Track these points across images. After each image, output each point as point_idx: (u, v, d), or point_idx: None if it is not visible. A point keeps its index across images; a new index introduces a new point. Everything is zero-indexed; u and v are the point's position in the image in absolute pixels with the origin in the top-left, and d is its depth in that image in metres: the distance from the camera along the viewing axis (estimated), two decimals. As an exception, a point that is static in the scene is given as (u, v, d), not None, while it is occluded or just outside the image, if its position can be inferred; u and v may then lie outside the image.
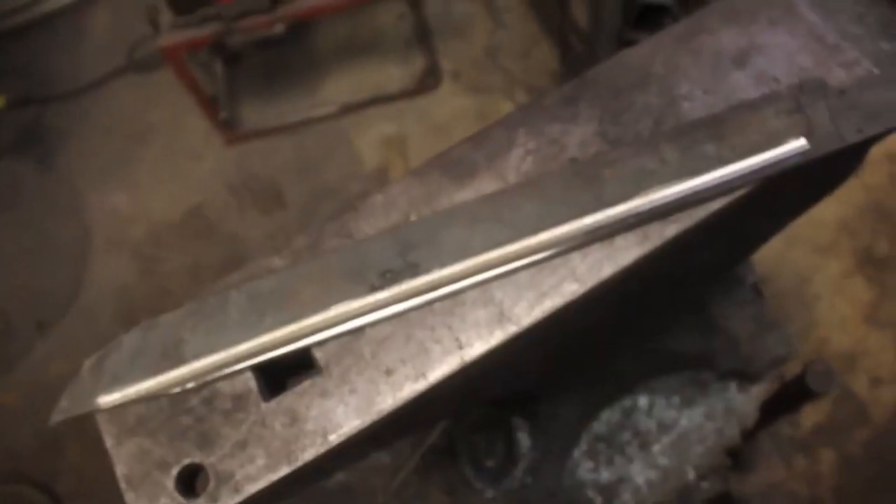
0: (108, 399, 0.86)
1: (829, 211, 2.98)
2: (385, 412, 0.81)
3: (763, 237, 1.28)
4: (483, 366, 0.84)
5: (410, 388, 0.82)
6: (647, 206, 0.87)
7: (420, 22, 3.87)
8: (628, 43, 2.72)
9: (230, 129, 3.68)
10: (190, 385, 0.84)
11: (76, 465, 3.00)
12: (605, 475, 1.58)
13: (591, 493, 1.56)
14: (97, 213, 3.67)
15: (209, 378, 0.84)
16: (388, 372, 0.83)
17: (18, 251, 3.64)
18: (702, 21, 1.02)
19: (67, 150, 3.89)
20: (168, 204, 3.63)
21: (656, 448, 1.60)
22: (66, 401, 0.87)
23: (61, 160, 3.86)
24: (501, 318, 0.84)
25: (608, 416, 1.60)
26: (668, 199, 0.88)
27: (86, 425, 0.88)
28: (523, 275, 0.86)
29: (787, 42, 0.99)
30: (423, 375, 0.83)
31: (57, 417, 0.86)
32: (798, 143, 0.90)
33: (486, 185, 0.92)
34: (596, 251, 0.87)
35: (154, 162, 3.77)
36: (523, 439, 1.46)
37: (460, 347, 0.84)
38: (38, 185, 3.81)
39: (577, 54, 3.24)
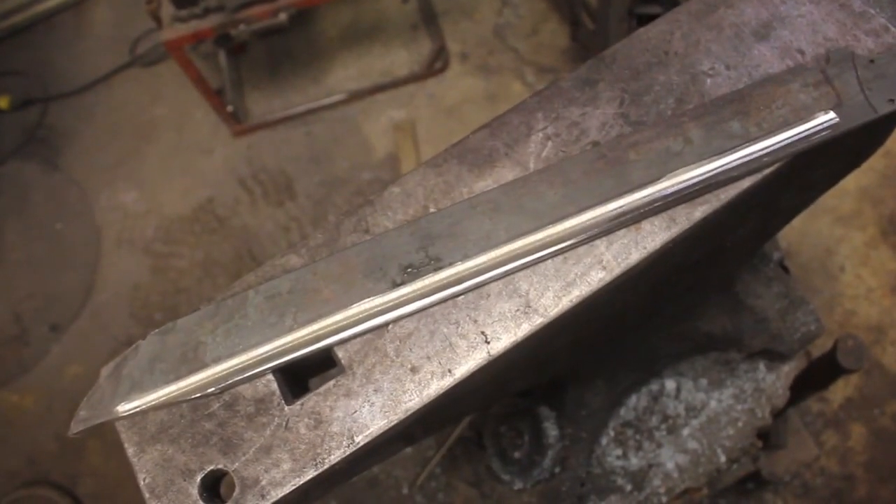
0: (127, 407, 0.84)
1: (850, 179, 2.90)
2: (412, 411, 0.79)
3: (792, 214, 1.25)
4: (510, 359, 0.82)
5: (437, 386, 0.80)
6: (674, 189, 0.84)
7: (426, 4, 3.82)
8: (639, 17, 2.70)
9: (237, 121, 3.66)
10: (211, 390, 0.82)
11: (97, 467, 3.01)
12: (635, 461, 1.56)
13: (620, 481, 1.54)
14: (106, 212, 3.66)
15: (230, 382, 0.82)
16: (414, 369, 0.81)
17: (29, 254, 3.64)
18: (720, -6, 0.99)
19: (74, 149, 3.88)
20: (178, 199, 3.61)
21: (685, 432, 1.57)
22: (84, 410, 0.84)
23: (68, 160, 3.85)
24: (528, 309, 0.82)
25: (635, 402, 1.58)
26: (694, 181, 0.85)
27: (106, 428, 0.86)
28: (549, 265, 0.83)
29: (810, 11, 0.96)
30: (450, 372, 0.80)
31: (77, 427, 0.84)
32: (827, 117, 0.87)
33: (506, 173, 0.89)
34: (622, 237, 0.84)
35: (162, 157, 3.76)
36: (550, 429, 1.44)
37: (486, 341, 0.81)
38: (45, 186, 3.80)
39: (586, 30, 3.19)
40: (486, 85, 3.61)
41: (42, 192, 3.79)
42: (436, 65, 3.67)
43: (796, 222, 2.81)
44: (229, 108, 3.58)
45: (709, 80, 0.93)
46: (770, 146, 0.86)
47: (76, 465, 3.03)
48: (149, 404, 0.83)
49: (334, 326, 0.83)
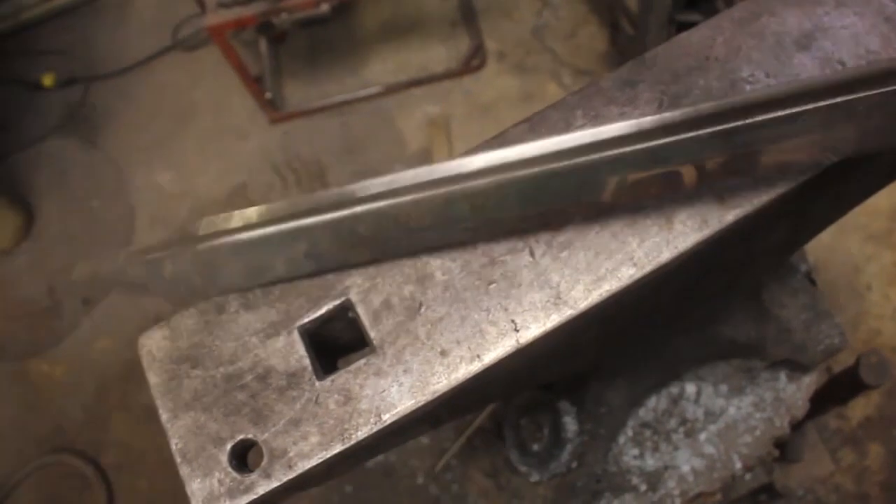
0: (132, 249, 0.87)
1: (883, 198, 2.89)
2: (439, 393, 0.81)
3: (823, 224, 1.25)
4: (538, 348, 0.84)
5: (465, 370, 0.82)
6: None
7: (465, 1, 3.84)
8: (679, 25, 2.70)
9: (274, 109, 3.70)
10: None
11: (121, 439, 3.06)
12: (651, 462, 1.57)
13: (636, 480, 1.55)
14: (142, 192, 3.72)
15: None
16: (443, 353, 0.83)
17: (65, 229, 3.70)
18: (763, 2, 1.00)
19: (113, 128, 3.95)
20: (213, 183, 3.66)
21: (703, 436, 1.58)
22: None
23: (107, 139, 3.91)
24: (558, 301, 0.84)
25: (655, 403, 1.59)
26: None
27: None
28: (580, 257, 0.85)
29: (854, 23, 0.96)
30: (479, 357, 0.82)
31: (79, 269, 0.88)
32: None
33: (542, 167, 0.91)
34: (654, 236, 0.85)
35: (199, 140, 3.81)
36: (570, 424, 1.45)
37: (516, 330, 0.83)
38: (84, 163, 3.87)
39: (626, 36, 3.19)
40: (522, 84, 3.62)
41: (80, 169, 3.86)
42: (473, 62, 3.69)
43: (825, 238, 2.81)
44: (267, 95, 3.62)
45: (748, 87, 0.94)
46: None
47: (101, 435, 3.09)
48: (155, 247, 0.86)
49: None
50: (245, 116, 3.80)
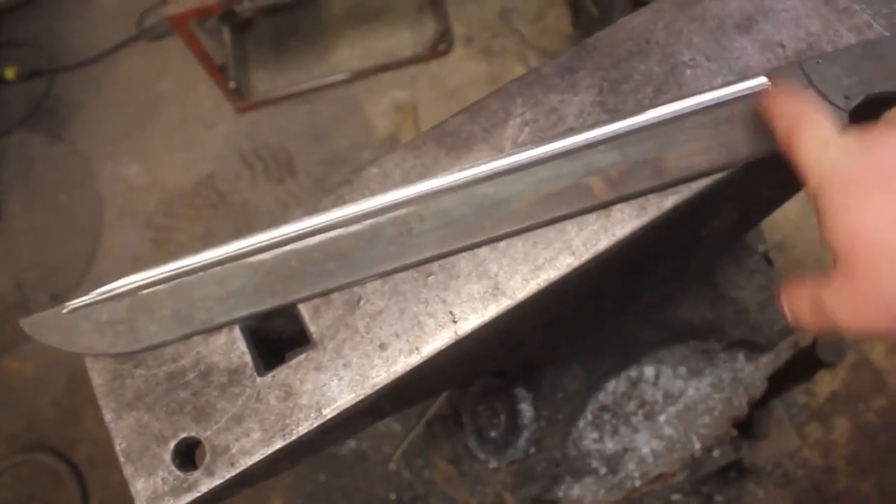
0: (73, 303, 0.92)
1: (851, 175, 2.90)
2: (379, 386, 0.81)
3: (771, 206, 1.26)
4: (478, 339, 0.84)
5: (404, 363, 0.82)
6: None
7: (431, -15, 3.82)
8: (644, 6, 2.68)
9: (240, 98, 3.67)
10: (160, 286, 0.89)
11: (93, 434, 3.06)
12: (610, 445, 1.58)
13: (595, 463, 1.56)
14: (109, 184, 3.69)
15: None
16: (382, 346, 0.83)
17: (32, 223, 3.67)
18: (706, -14, 0.99)
19: (79, 120, 3.90)
20: (180, 173, 3.63)
21: (662, 418, 1.60)
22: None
23: (73, 131, 3.87)
24: (496, 291, 0.84)
25: (613, 387, 1.60)
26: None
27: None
28: (518, 248, 0.85)
29: (795, 6, 0.96)
30: (417, 349, 0.82)
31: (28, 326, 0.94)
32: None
33: (482, 157, 0.91)
34: (592, 224, 0.85)
35: (165, 131, 3.77)
36: (526, 410, 1.46)
37: (454, 321, 0.83)
38: (50, 156, 3.82)
39: (590, 17, 3.18)
40: (489, 68, 3.61)
41: (46, 162, 3.82)
42: (440, 47, 3.67)
43: (793, 215, 2.83)
44: (231, 85, 3.59)
45: (688, 71, 0.94)
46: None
47: (73, 431, 3.08)
48: (94, 298, 0.90)
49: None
50: (211, 106, 3.76)
